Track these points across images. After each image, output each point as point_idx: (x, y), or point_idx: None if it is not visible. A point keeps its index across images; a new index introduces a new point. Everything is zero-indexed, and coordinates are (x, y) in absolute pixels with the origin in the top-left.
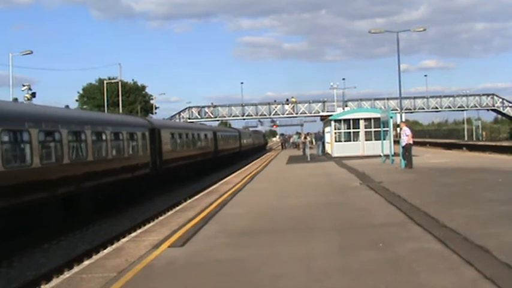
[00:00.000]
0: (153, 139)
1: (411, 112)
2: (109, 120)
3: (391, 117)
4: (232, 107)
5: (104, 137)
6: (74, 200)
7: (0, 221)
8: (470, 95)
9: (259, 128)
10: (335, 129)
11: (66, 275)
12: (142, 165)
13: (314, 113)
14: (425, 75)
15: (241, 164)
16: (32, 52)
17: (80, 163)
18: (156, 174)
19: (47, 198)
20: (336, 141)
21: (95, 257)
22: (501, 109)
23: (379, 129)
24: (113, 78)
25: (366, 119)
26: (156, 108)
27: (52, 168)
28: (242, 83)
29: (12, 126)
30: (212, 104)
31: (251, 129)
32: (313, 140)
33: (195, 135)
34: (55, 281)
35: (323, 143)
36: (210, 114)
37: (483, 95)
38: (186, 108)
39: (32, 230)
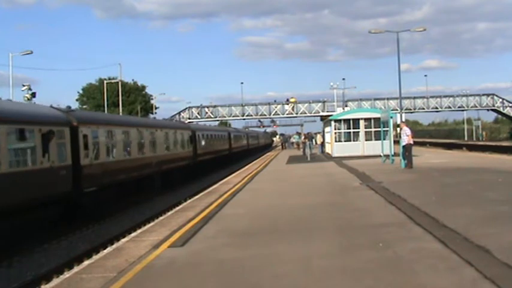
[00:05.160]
0: (246, 138)
1: (411, 112)
2: (239, 130)
3: (391, 117)
4: (232, 107)
5: (241, 137)
6: (226, 157)
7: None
8: (470, 95)
9: (267, 129)
10: (335, 129)
11: (66, 275)
12: (244, 145)
13: (314, 113)
14: (426, 75)
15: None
16: (32, 52)
17: (227, 143)
18: (248, 150)
19: (222, 155)
20: (336, 141)
21: (95, 257)
22: (501, 109)
23: (379, 129)
24: (113, 78)
25: (366, 119)
26: (156, 108)
27: (224, 145)
28: (242, 83)
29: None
30: (212, 103)
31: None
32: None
33: (245, 136)
34: (55, 281)
35: (317, 142)
36: (210, 114)
37: (483, 95)
38: (186, 108)
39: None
